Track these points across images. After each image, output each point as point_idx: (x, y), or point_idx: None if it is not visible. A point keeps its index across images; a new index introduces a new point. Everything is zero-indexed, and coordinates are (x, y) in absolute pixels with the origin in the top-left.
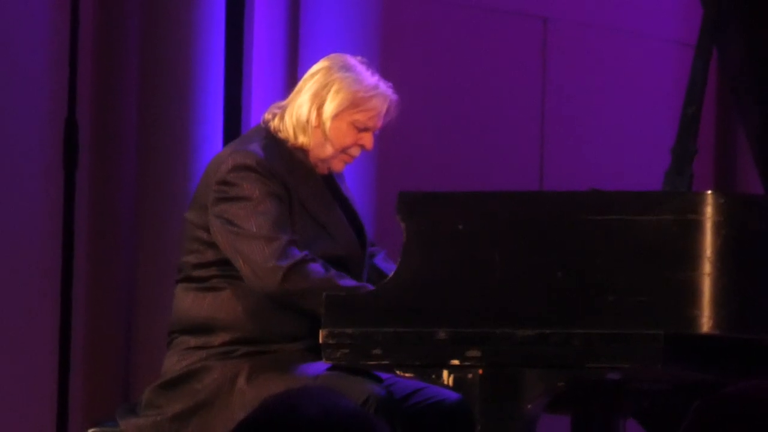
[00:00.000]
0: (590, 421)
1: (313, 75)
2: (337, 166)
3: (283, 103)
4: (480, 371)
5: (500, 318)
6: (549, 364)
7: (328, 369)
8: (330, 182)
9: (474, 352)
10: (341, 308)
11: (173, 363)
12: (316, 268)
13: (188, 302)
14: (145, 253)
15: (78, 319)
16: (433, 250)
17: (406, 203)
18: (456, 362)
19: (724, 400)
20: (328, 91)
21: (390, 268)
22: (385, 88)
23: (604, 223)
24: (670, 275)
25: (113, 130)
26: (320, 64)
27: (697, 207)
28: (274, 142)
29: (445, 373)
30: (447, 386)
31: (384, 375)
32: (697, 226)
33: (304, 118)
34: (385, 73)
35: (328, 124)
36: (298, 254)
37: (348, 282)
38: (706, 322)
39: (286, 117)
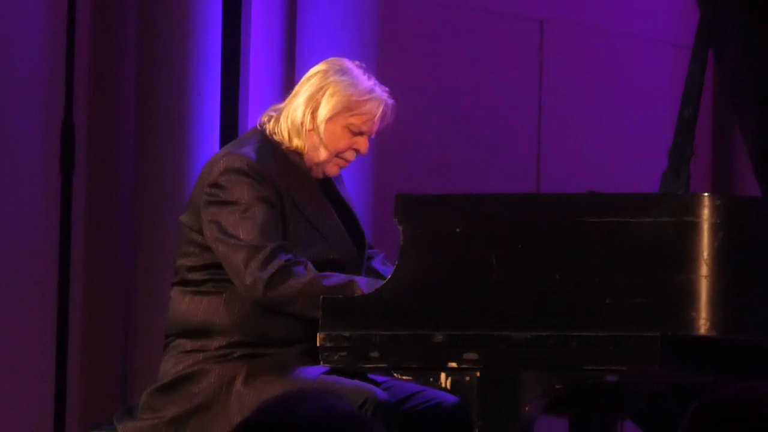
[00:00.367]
0: (588, 423)
1: (309, 78)
2: (332, 170)
3: (280, 105)
4: (477, 374)
5: (498, 320)
6: (547, 367)
7: (325, 372)
8: (326, 185)
9: (471, 355)
10: (338, 311)
11: (170, 366)
12: (299, 271)
13: (184, 306)
14: (142, 256)
15: (75, 322)
16: (431, 252)
17: (404, 205)
18: (453, 365)
19: (722, 401)
20: (323, 94)
21: (388, 271)
22: (380, 92)
23: (601, 225)
24: (667, 277)
25: (110, 132)
26: (317, 68)
27: (693, 209)
28: (269, 145)
29: (442, 375)
30: (444, 389)
31: (382, 378)
32: (693, 228)
33: (298, 121)
34: (382, 75)
35: (322, 127)
36: (281, 260)
37: (333, 281)
38: (703, 324)
39: (282, 120)
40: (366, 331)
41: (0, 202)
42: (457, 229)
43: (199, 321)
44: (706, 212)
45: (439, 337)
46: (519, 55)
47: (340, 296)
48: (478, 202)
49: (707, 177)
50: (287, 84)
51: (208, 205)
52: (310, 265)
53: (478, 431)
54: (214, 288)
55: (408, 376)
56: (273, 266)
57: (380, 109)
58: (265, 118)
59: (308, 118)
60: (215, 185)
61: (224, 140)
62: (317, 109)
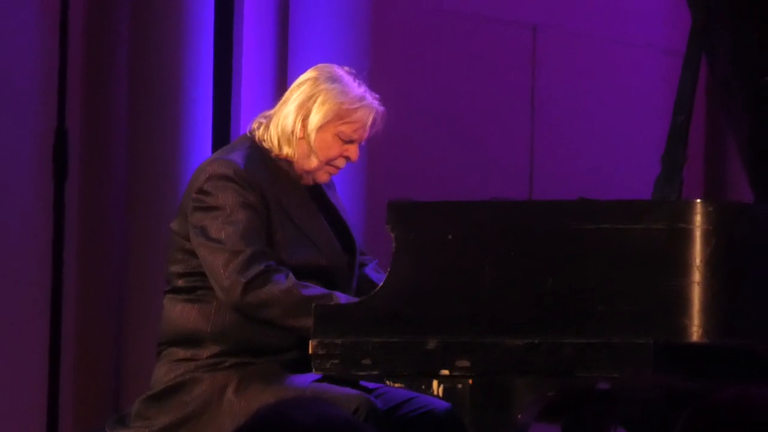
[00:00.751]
0: (581, 430)
1: (299, 85)
2: (322, 177)
3: (270, 112)
4: (470, 381)
5: (490, 327)
6: (539, 373)
7: (317, 379)
8: (316, 192)
9: (464, 362)
10: (331, 318)
11: (162, 374)
12: (278, 278)
13: (176, 314)
14: (135, 263)
15: (68, 329)
16: (423, 258)
17: (396, 212)
18: (446, 372)
19: (714, 407)
20: (314, 102)
21: (381, 278)
22: (371, 99)
23: (593, 231)
24: (659, 283)
25: (103, 139)
26: (307, 75)
27: (686, 215)
28: (258, 151)
29: (435, 382)
30: (437, 396)
31: (374, 384)
32: (686, 235)
33: (289, 129)
34: (375, 82)
35: (313, 135)
36: (261, 266)
37: (312, 291)
38: (695, 331)
39: (272, 127)
40: (358, 339)
41: None
42: (450, 236)
43: (191, 329)
44: (698, 218)
45: (431, 344)
46: (512, 61)
47: (331, 303)
48: (471, 209)
49: (700, 183)
50: (279, 91)
51: (194, 211)
52: (290, 275)
53: None
54: (205, 296)
55: (400, 383)
56: (252, 270)
57: (371, 117)
58: (255, 125)
59: (299, 126)
60: (201, 191)
61: (216, 147)
62: (308, 117)
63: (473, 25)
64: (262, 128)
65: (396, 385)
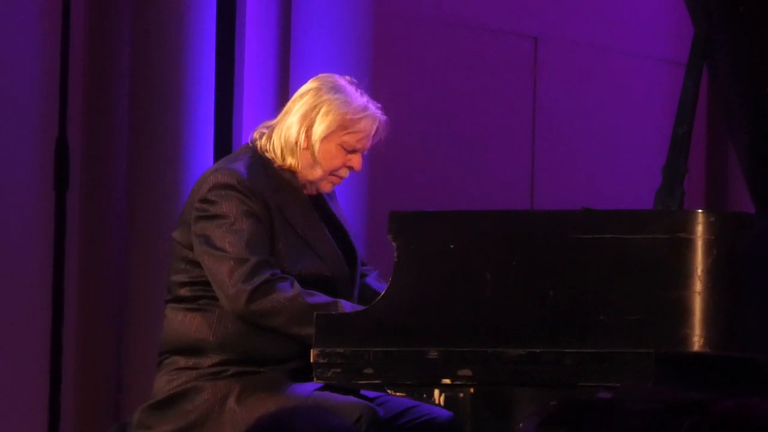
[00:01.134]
0: None
1: (302, 96)
2: (326, 187)
3: (272, 122)
4: (471, 390)
5: (491, 337)
6: (540, 383)
7: (319, 388)
8: (318, 202)
9: (465, 371)
10: (332, 327)
11: (163, 383)
12: (284, 287)
13: (177, 323)
14: (136, 272)
15: (69, 338)
16: (424, 269)
17: (397, 222)
18: (447, 381)
19: (715, 418)
20: (318, 112)
21: (382, 288)
22: (374, 109)
23: (595, 241)
24: (661, 294)
25: (104, 149)
26: (309, 85)
27: (687, 226)
28: (260, 161)
29: (436, 392)
30: (438, 405)
31: (374, 393)
32: (687, 245)
33: (293, 139)
34: (375, 92)
35: (317, 146)
36: (266, 274)
37: (317, 299)
38: (697, 341)
39: (275, 137)
40: (360, 348)
41: None
42: (451, 246)
43: (193, 338)
44: (700, 229)
45: (433, 354)
46: (513, 71)
47: (336, 311)
48: (472, 219)
49: (701, 194)
50: (281, 100)
51: (197, 220)
52: (295, 282)
53: None
54: (207, 305)
55: (402, 392)
56: (258, 279)
57: (374, 126)
58: (256, 135)
59: (303, 136)
60: (205, 200)
61: (218, 156)
62: (312, 127)
63: (475, 35)
64: (264, 138)
65: (398, 394)
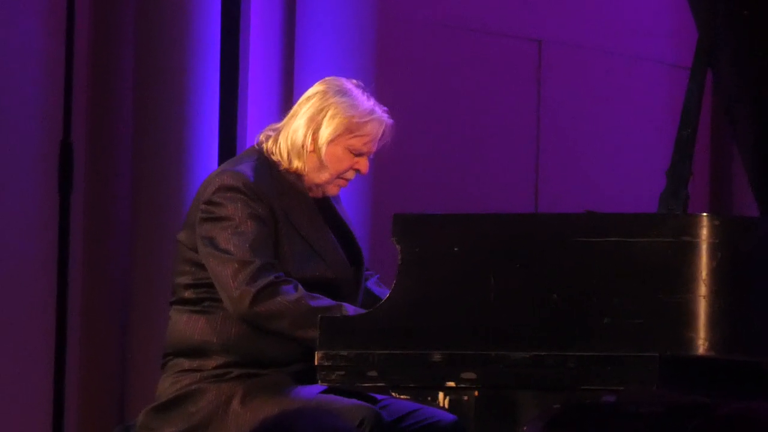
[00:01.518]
0: None
1: (308, 99)
2: (332, 190)
3: (278, 125)
4: (475, 393)
5: (495, 340)
6: (544, 387)
7: (323, 391)
8: (323, 205)
9: (469, 374)
10: (336, 330)
11: (167, 386)
12: (287, 289)
13: (182, 325)
14: (140, 274)
15: (73, 340)
16: (428, 271)
17: (401, 225)
18: (451, 384)
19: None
20: (324, 116)
21: (383, 292)
22: (380, 112)
23: (599, 245)
24: (665, 297)
25: (108, 152)
26: (316, 88)
27: (692, 229)
28: (266, 164)
29: (440, 395)
30: (443, 408)
31: (379, 396)
32: (692, 248)
33: (299, 142)
34: (380, 95)
35: (323, 149)
36: (269, 276)
37: (321, 302)
38: (701, 344)
39: (281, 140)
40: (364, 351)
41: None
42: (455, 249)
43: (197, 340)
44: (704, 232)
45: (436, 357)
46: (517, 75)
47: (340, 315)
48: (476, 222)
49: (705, 197)
50: (286, 103)
51: (202, 222)
52: (299, 286)
53: None
54: (211, 307)
55: (406, 395)
56: (262, 281)
57: (381, 130)
58: (262, 138)
59: (309, 139)
60: (210, 202)
61: (222, 159)
62: (318, 130)
63: (479, 38)
64: (270, 141)
65: (401, 397)
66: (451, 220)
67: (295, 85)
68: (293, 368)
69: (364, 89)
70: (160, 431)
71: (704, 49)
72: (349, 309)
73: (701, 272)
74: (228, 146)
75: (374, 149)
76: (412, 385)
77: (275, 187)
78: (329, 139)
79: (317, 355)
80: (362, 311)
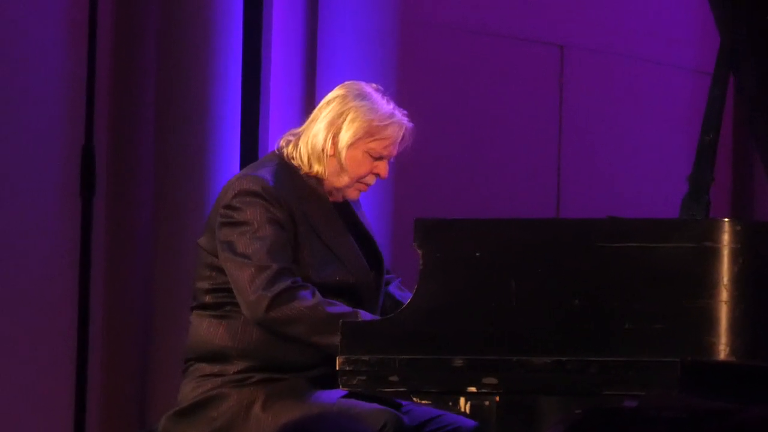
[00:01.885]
0: None
1: (328, 103)
2: (352, 194)
3: (298, 130)
4: (497, 398)
5: (517, 345)
6: (566, 392)
7: (344, 396)
8: (343, 209)
9: (491, 380)
10: (358, 335)
11: (189, 390)
12: (304, 295)
13: (203, 330)
14: (162, 279)
15: (95, 346)
16: (450, 276)
17: (423, 230)
18: (473, 389)
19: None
20: (344, 120)
21: (405, 296)
22: (400, 116)
23: (621, 250)
24: (686, 302)
25: (130, 157)
26: (335, 92)
27: (714, 234)
28: (286, 168)
29: (462, 400)
30: (464, 413)
31: (403, 402)
32: (714, 254)
33: (319, 146)
34: (402, 100)
35: (343, 153)
36: (287, 281)
37: (338, 309)
38: (722, 350)
39: (301, 145)
40: (385, 356)
41: (21, 225)
42: (477, 254)
43: (218, 345)
44: (726, 237)
45: (458, 362)
46: (539, 80)
47: (359, 320)
48: (498, 227)
49: (727, 202)
50: (307, 108)
51: (221, 227)
52: (316, 291)
53: None
54: (232, 311)
55: (427, 400)
56: (278, 286)
57: (401, 133)
58: (283, 142)
59: (329, 143)
60: (229, 207)
61: (244, 164)
62: (338, 134)
63: (501, 43)
64: (290, 145)
65: (423, 402)
66: (472, 226)
67: (317, 89)
68: (314, 373)
69: (383, 93)
70: None
71: (726, 54)
72: (366, 317)
73: (723, 277)
74: (250, 151)
75: (394, 153)
76: (433, 390)
77: (295, 192)
78: (349, 142)
79: (338, 360)
80: (378, 318)
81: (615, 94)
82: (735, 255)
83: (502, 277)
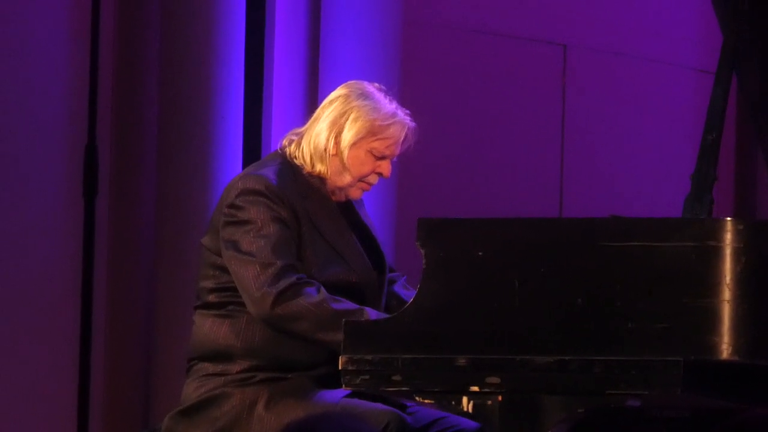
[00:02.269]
0: None
1: (331, 102)
2: (355, 194)
3: (301, 129)
4: (499, 398)
5: (520, 344)
6: (568, 391)
7: (347, 395)
8: (346, 209)
9: (493, 379)
10: (361, 334)
11: (192, 390)
12: (309, 291)
13: (206, 329)
14: (165, 278)
15: (98, 346)
16: (453, 275)
17: (426, 229)
18: (475, 388)
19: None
20: (347, 119)
21: (410, 294)
22: (403, 115)
23: (623, 249)
24: (689, 302)
25: (133, 156)
26: (338, 92)
27: (716, 234)
28: (289, 168)
29: (464, 399)
30: (466, 413)
31: (408, 403)
32: (716, 253)
33: (322, 146)
34: (404, 100)
35: (346, 152)
36: (291, 278)
37: (343, 306)
38: (725, 349)
39: (304, 144)
40: (388, 355)
41: (24, 226)
42: (480, 253)
43: (222, 344)
44: (728, 237)
45: (461, 361)
46: (542, 79)
47: (362, 319)
48: (501, 226)
49: (730, 201)
50: (310, 107)
51: (225, 226)
52: (322, 288)
53: None
54: (235, 311)
55: (430, 399)
56: (283, 283)
57: (403, 133)
58: (285, 142)
59: (332, 143)
60: (233, 206)
61: (247, 164)
62: (341, 134)
63: (504, 43)
64: (293, 145)
65: (426, 401)
66: (475, 225)
67: (319, 89)
68: (317, 372)
69: (386, 92)
70: None
71: (729, 53)
72: (371, 313)
73: (725, 277)
74: (252, 150)
75: (397, 152)
76: (436, 390)
77: (298, 191)
78: (351, 142)
79: (341, 360)
80: (384, 316)
81: (618, 93)
82: (738, 254)
83: (504, 276)
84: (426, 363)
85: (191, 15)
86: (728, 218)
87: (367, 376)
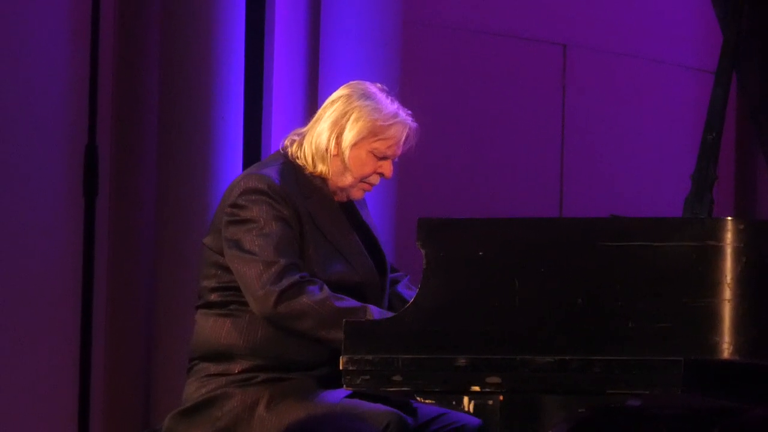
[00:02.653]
0: None
1: (332, 103)
2: (357, 194)
3: (303, 130)
4: (500, 397)
5: (520, 344)
6: (569, 391)
7: (348, 395)
8: (348, 209)
9: (494, 379)
10: (361, 334)
11: (193, 390)
12: (312, 290)
13: (208, 328)
14: (165, 278)
15: (98, 345)
16: (453, 276)
17: (426, 229)
18: (476, 388)
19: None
20: (348, 119)
21: (412, 294)
22: (404, 116)
23: (624, 249)
24: (690, 301)
25: (133, 156)
26: (340, 92)
27: (717, 233)
28: (291, 168)
29: (465, 399)
30: (468, 413)
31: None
32: (717, 253)
33: (323, 146)
34: (404, 100)
35: (347, 152)
36: (294, 276)
37: (346, 303)
38: (726, 348)
39: (305, 144)
40: (389, 355)
41: (24, 225)
42: (480, 253)
43: (223, 344)
44: (729, 236)
45: (461, 361)
46: (542, 79)
47: (365, 317)
48: (501, 226)
49: (730, 201)
50: (310, 109)
51: (228, 225)
52: (324, 286)
53: None
54: (237, 310)
55: (431, 399)
56: (286, 281)
57: (405, 133)
58: (287, 142)
59: (333, 143)
60: (235, 205)
61: (247, 164)
62: (342, 134)
63: (503, 42)
64: (295, 145)
65: (426, 401)
66: (475, 225)
67: (319, 89)
68: (318, 372)
69: (388, 93)
70: None
71: (729, 53)
72: (375, 311)
73: (726, 276)
74: (253, 151)
75: (398, 153)
76: (437, 390)
77: (300, 191)
78: (353, 142)
79: (342, 360)
80: (388, 314)
81: (618, 92)
82: (738, 254)
83: (505, 276)
84: (426, 363)
85: (191, 15)
86: (729, 218)
87: (367, 376)
